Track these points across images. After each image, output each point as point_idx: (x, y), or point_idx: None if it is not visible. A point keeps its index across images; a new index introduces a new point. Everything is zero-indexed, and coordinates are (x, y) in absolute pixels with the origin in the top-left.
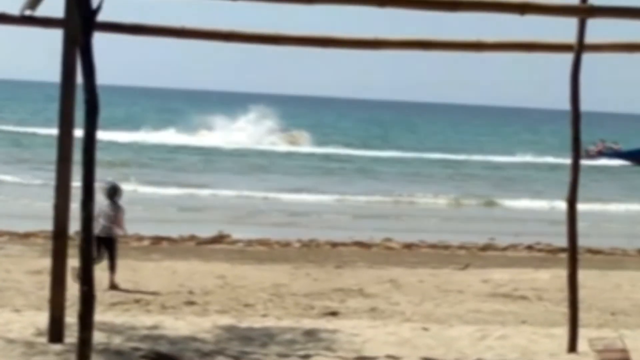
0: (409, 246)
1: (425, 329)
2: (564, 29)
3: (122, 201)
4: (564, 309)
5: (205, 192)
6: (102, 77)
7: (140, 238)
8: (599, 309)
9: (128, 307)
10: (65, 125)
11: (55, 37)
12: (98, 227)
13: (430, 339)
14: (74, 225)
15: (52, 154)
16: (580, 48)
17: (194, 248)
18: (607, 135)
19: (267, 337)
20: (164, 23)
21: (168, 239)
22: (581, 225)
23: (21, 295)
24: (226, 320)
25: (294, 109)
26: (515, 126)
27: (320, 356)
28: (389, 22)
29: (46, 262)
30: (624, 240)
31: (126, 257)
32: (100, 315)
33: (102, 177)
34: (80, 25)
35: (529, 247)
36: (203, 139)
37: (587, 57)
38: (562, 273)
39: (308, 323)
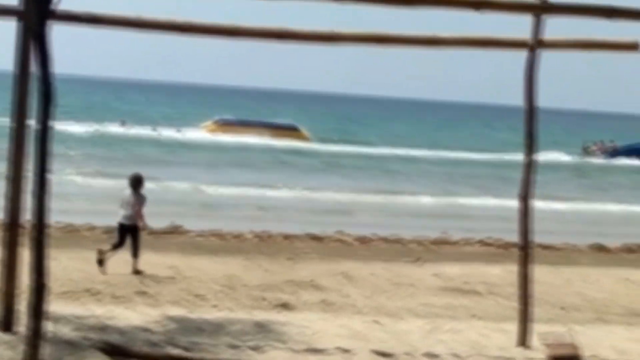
0: (362, 239)
1: (377, 322)
2: (522, 26)
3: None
4: (515, 304)
5: (158, 184)
6: (65, 67)
7: (92, 227)
8: (549, 303)
9: (79, 297)
10: (19, 115)
11: (10, 27)
12: (122, 215)
13: (382, 332)
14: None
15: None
16: (535, 45)
17: (147, 239)
18: (562, 131)
19: (217, 327)
20: (122, 14)
21: None
22: (534, 221)
23: None
24: (177, 311)
25: (255, 103)
26: (471, 122)
27: (271, 347)
28: (346, 17)
29: None
30: (576, 236)
31: (77, 247)
32: (51, 305)
33: (59, 169)
34: (36, 15)
35: (482, 242)
36: (160, 132)
37: (546, 54)
38: (514, 268)
39: (260, 315)
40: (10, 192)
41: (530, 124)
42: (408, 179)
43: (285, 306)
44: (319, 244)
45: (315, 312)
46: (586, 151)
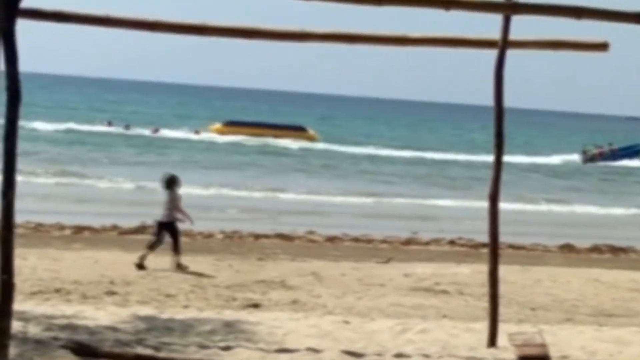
0: (331, 239)
1: (347, 322)
2: (490, 25)
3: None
4: (484, 304)
5: (129, 184)
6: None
7: (61, 227)
8: (519, 304)
9: (48, 297)
10: None
11: None
12: (159, 213)
13: (351, 332)
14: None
15: None
16: (504, 45)
17: (116, 238)
18: (531, 132)
19: (187, 328)
20: (88, 11)
21: (90, 229)
22: (504, 222)
23: None
24: (147, 310)
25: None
26: (441, 122)
27: (241, 347)
28: (315, 15)
29: None
30: (546, 237)
31: (47, 247)
32: (19, 305)
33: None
34: (2, 12)
35: (451, 242)
36: (132, 130)
37: (514, 54)
38: (484, 268)
39: (229, 314)
40: None
41: (499, 123)
42: (380, 180)
43: (255, 306)
44: (288, 244)
45: (285, 312)
46: (586, 154)
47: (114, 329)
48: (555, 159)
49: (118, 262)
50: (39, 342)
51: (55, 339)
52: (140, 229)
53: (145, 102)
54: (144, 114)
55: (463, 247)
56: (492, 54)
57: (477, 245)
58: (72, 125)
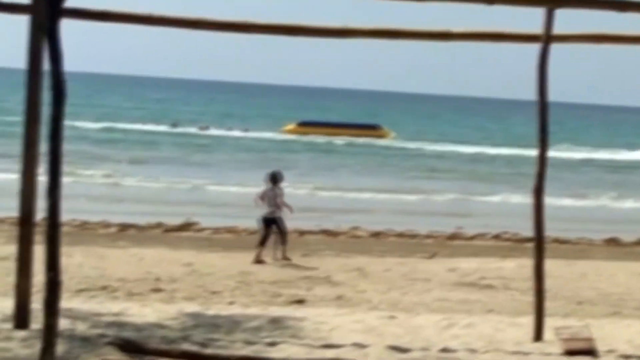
0: (376, 235)
1: (392, 317)
2: (532, 20)
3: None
4: (530, 298)
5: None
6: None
7: (107, 225)
8: (564, 298)
9: (94, 294)
10: (31, 110)
11: (21, 24)
12: (265, 209)
13: (397, 327)
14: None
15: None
16: (547, 38)
17: (161, 235)
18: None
19: (233, 324)
20: (132, 10)
21: (135, 227)
22: (549, 217)
23: None
24: (193, 307)
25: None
26: (482, 116)
27: (286, 343)
28: (357, 11)
29: (12, 248)
30: (591, 231)
31: (92, 244)
32: (66, 302)
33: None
34: (46, 11)
35: (496, 237)
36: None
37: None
38: (529, 262)
39: (275, 311)
40: (24, 189)
41: (543, 117)
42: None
43: (300, 302)
44: (333, 239)
45: (330, 307)
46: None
47: (160, 325)
48: (602, 154)
49: (163, 259)
50: (85, 340)
51: (102, 336)
52: (185, 226)
53: (191, 101)
54: (194, 114)
55: (508, 241)
56: (535, 48)
57: (522, 240)
58: (127, 125)
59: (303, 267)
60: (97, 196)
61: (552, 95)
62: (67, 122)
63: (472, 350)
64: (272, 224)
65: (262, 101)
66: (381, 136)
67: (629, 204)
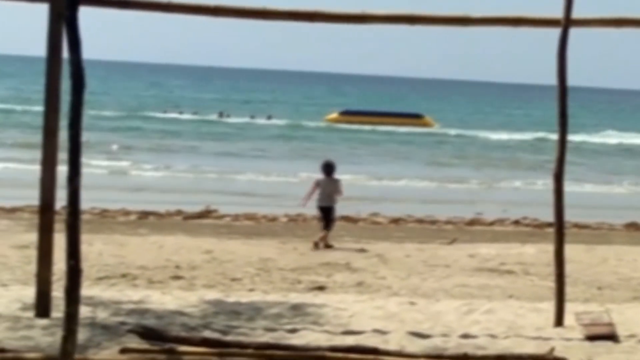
0: (395, 221)
1: (412, 303)
2: (551, 4)
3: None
4: (550, 284)
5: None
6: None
7: (126, 213)
8: (585, 283)
9: (115, 282)
10: (52, 99)
11: (41, 12)
12: (319, 199)
13: (417, 313)
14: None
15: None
16: (567, 23)
17: (181, 223)
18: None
19: (254, 311)
20: None
21: (155, 214)
22: (568, 202)
23: (7, 270)
24: (213, 294)
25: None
26: (502, 101)
27: (307, 330)
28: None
29: (32, 237)
30: (611, 216)
31: (112, 232)
32: (87, 290)
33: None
34: (65, 0)
35: (516, 222)
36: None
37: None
38: (549, 247)
39: (295, 297)
40: (44, 177)
41: (563, 102)
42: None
43: (320, 289)
44: (353, 225)
45: (350, 294)
46: None
47: (180, 313)
48: (621, 138)
49: (183, 246)
50: (106, 327)
51: (123, 323)
52: (205, 214)
53: (212, 89)
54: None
55: (528, 227)
56: (555, 32)
57: (542, 225)
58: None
59: (322, 254)
60: (116, 185)
61: (572, 80)
62: (87, 111)
63: (493, 336)
64: (327, 212)
65: (284, 87)
66: (425, 125)
67: None
